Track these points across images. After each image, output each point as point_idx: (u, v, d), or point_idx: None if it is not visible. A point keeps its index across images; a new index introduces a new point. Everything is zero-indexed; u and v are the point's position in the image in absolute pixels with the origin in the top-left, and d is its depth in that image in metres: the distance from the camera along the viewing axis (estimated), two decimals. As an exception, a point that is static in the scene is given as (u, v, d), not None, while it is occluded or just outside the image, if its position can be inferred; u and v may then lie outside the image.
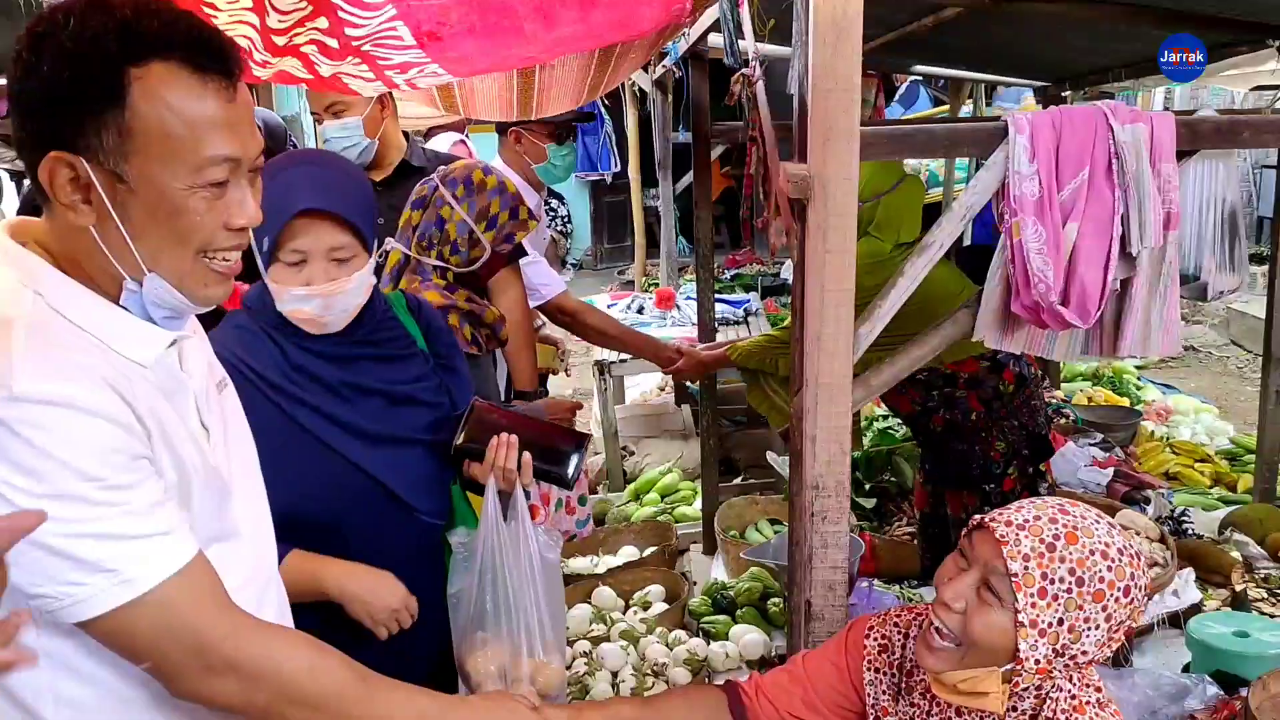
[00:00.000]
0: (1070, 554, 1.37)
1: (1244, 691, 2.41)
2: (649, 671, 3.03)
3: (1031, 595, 1.37)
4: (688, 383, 5.81)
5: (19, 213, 3.20)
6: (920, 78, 8.23)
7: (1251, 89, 4.94)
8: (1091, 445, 4.19)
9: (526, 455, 1.87)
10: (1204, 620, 2.79)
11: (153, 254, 1.13)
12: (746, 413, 5.74)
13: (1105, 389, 5.70)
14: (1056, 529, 1.39)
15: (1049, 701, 1.44)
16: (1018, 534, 1.40)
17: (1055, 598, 1.37)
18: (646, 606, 3.47)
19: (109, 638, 1.11)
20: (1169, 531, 3.23)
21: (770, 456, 4.48)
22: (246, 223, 1.17)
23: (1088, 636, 1.38)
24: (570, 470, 1.92)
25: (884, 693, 1.64)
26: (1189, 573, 3.09)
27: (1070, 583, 1.37)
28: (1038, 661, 1.38)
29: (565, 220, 12.19)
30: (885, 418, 4.90)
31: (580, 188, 12.25)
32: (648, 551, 4.00)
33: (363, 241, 1.74)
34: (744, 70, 2.00)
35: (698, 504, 4.46)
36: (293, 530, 1.65)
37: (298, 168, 1.75)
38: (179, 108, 1.08)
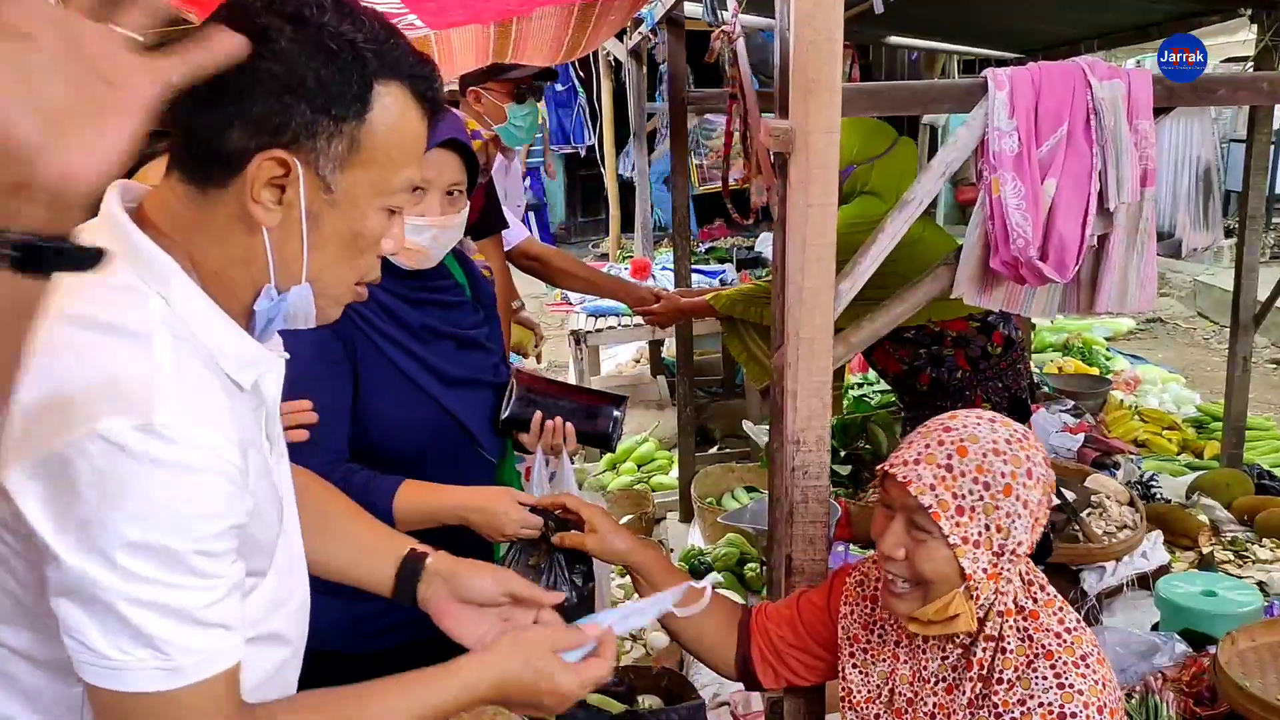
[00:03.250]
0: (968, 467, 1.46)
1: (1211, 649, 2.46)
2: (626, 636, 3.05)
3: (951, 518, 1.45)
4: (663, 355, 5.83)
5: None
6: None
7: (1222, 61, 4.99)
8: (1063, 412, 4.23)
9: (569, 425, 1.99)
10: (1172, 580, 2.84)
11: (318, 269, 1.08)
12: (722, 383, 5.76)
13: (1075, 359, 5.77)
14: (948, 449, 1.48)
15: (1000, 596, 1.51)
16: (916, 470, 1.48)
17: (972, 509, 1.45)
18: (624, 573, 3.47)
19: (118, 713, 0.99)
20: (1138, 495, 3.28)
21: (746, 425, 4.50)
22: (392, 249, 1.15)
23: (1016, 526, 1.47)
24: (613, 432, 2.05)
25: (856, 622, 1.71)
26: (1157, 535, 3.14)
27: (979, 491, 1.45)
28: (985, 570, 1.47)
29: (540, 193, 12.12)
30: (860, 384, 4.93)
31: (555, 161, 12.17)
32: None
33: (469, 185, 1.86)
34: (723, 26, 1.99)
35: (674, 473, 4.48)
36: (378, 463, 1.80)
37: None
38: (402, 132, 1.08)
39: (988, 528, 1.46)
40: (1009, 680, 1.47)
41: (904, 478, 1.49)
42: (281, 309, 1.09)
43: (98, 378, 0.92)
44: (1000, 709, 1.46)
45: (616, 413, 2.06)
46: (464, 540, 1.75)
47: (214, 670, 1.00)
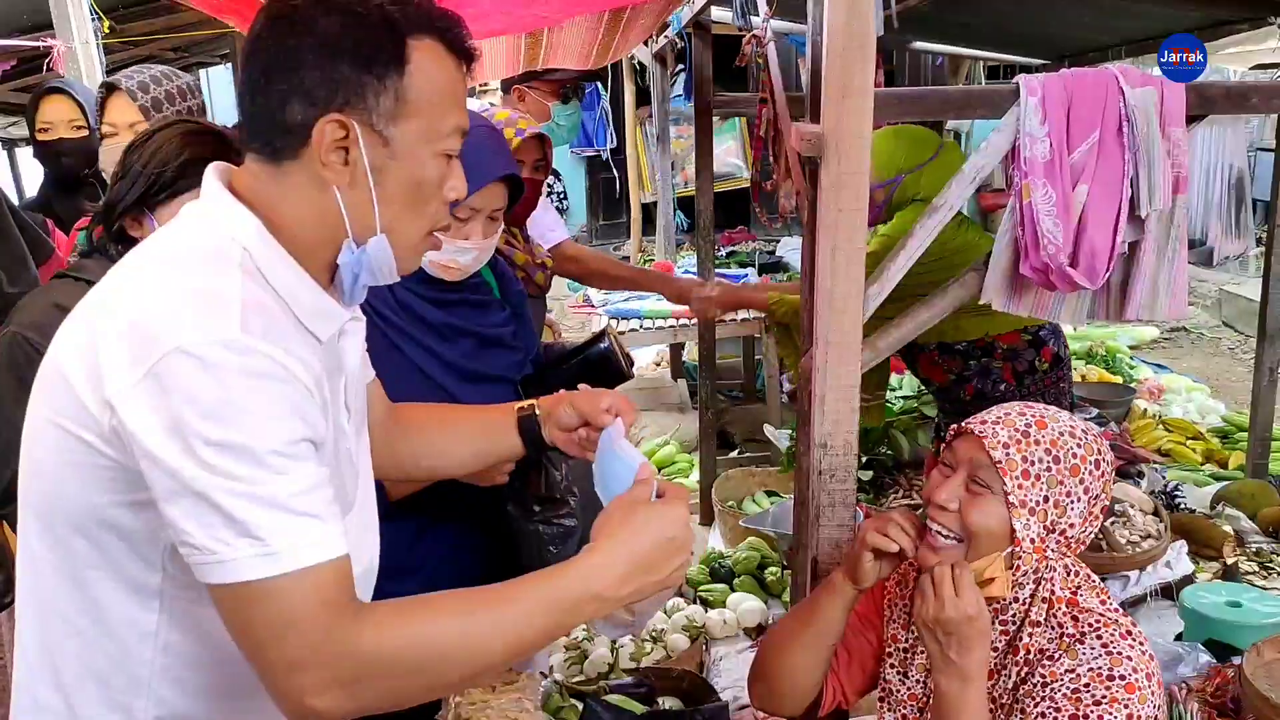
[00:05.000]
0: (1043, 437, 1.52)
1: (1236, 660, 2.45)
2: (647, 637, 3.06)
3: (1016, 478, 1.50)
4: (684, 358, 5.83)
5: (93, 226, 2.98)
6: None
7: (1251, 68, 4.95)
8: (1087, 419, 4.21)
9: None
10: (1197, 591, 2.83)
11: (389, 219, 1.18)
12: (743, 387, 5.77)
13: (1099, 367, 5.73)
14: (1027, 419, 1.54)
15: (1045, 583, 1.55)
16: (994, 428, 1.54)
17: (1038, 477, 1.50)
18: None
19: (234, 608, 1.06)
20: (1162, 505, 3.26)
21: (767, 429, 4.50)
22: (456, 196, 1.24)
23: (1072, 509, 1.52)
24: (623, 368, 2.08)
25: (897, 622, 1.72)
26: (1181, 545, 3.12)
27: (1048, 461, 1.51)
28: (1033, 540, 1.51)
29: (561, 196, 12.14)
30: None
31: (576, 164, 12.18)
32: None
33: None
34: (755, 31, 2.00)
35: (694, 476, 4.49)
36: None
37: (479, 128, 1.88)
38: (441, 81, 1.17)
39: (1046, 499, 1.50)
40: (1056, 656, 1.50)
41: (980, 433, 1.53)
42: (364, 261, 1.19)
43: (183, 302, 1.06)
44: (1048, 679, 1.49)
45: (603, 345, 2.09)
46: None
47: (315, 558, 1.05)
